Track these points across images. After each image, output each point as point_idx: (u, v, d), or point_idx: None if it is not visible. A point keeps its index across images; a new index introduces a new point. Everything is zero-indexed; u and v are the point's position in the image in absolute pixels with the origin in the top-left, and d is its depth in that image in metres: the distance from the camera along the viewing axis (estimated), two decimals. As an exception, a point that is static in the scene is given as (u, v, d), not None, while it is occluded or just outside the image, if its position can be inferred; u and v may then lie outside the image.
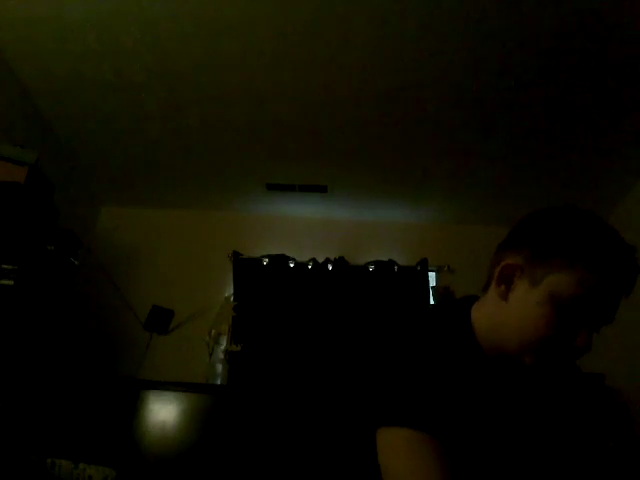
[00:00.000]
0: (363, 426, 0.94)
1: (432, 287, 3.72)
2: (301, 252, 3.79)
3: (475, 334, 1.01)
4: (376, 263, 3.74)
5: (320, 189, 3.64)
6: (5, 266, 2.22)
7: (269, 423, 2.82)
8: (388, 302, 3.61)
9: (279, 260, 3.75)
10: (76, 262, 2.87)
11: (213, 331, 3.52)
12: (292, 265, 3.76)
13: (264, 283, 3.71)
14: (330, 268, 3.73)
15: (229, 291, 3.71)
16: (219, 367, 3.53)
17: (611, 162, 3.16)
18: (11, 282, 2.22)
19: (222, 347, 3.55)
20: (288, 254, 3.77)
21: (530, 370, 0.96)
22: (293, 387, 3.23)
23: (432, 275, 3.80)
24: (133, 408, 2.88)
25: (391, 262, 3.73)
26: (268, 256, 3.76)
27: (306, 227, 3.96)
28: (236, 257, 3.76)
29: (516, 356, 0.96)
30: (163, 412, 2.91)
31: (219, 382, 3.50)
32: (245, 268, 3.74)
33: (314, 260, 3.75)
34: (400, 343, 0.99)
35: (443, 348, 0.97)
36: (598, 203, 3.46)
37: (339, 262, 3.74)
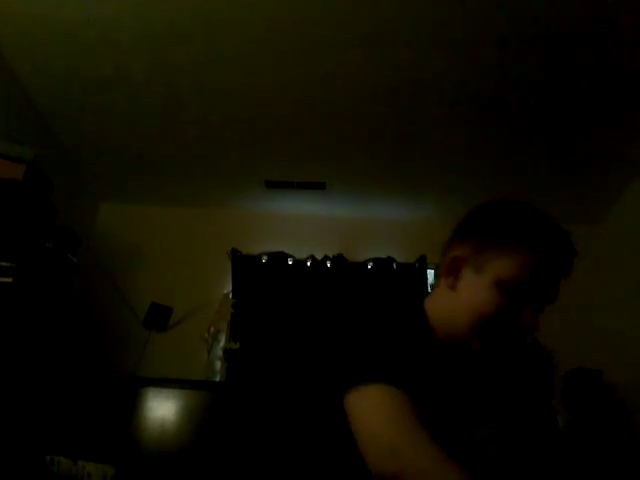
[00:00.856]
0: (332, 399, 0.95)
1: (431, 284, 3.72)
2: (300, 249, 3.78)
3: (428, 321, 1.06)
4: (375, 260, 3.73)
5: (319, 186, 3.64)
6: (3, 263, 2.22)
7: (267, 420, 2.82)
8: (387, 299, 3.61)
9: (278, 257, 3.75)
10: (75, 259, 2.87)
11: (212, 328, 3.52)
12: (291, 262, 3.76)
13: (263, 280, 3.70)
14: (329, 265, 3.73)
15: (228, 288, 3.71)
16: (218, 364, 3.53)
17: (608, 162, 3.16)
18: (9, 279, 2.21)
19: (221, 344, 3.55)
20: (287, 251, 3.77)
21: (481, 354, 1.01)
22: (290, 384, 3.23)
23: (431, 272, 3.80)
24: (132, 405, 2.87)
25: (390, 259, 3.73)
26: (267, 253, 3.76)
27: (305, 224, 3.95)
28: (235, 254, 3.76)
29: (466, 340, 1.01)
30: (162, 409, 2.90)
31: (218, 379, 3.50)
32: (244, 265, 3.74)
33: (313, 257, 3.75)
34: (360, 324, 1.03)
35: (397, 327, 1.02)
36: (598, 201, 3.48)
37: (338, 259, 3.74)
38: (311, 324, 3.49)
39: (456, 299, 1.03)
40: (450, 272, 1.05)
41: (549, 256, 0.96)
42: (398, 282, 3.68)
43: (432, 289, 1.14)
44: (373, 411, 0.88)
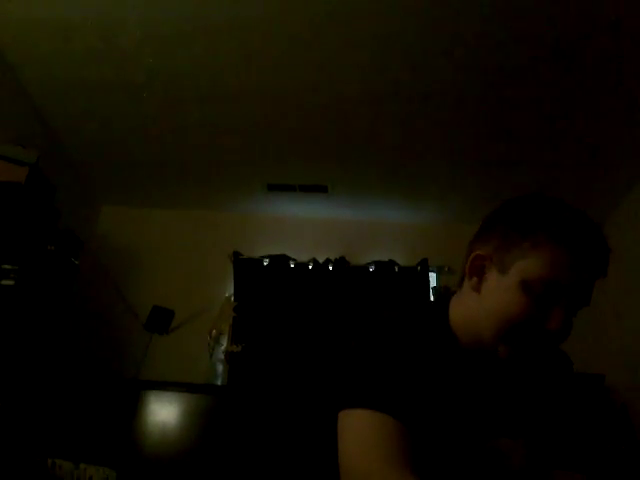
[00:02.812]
0: (329, 412, 0.94)
1: (433, 287, 3.71)
2: (301, 252, 3.78)
3: (451, 326, 1.00)
4: (376, 263, 3.73)
5: (321, 189, 3.64)
6: (5, 266, 2.22)
7: (269, 424, 2.82)
8: (388, 302, 3.61)
9: (279, 260, 3.75)
10: (76, 262, 2.87)
11: (214, 331, 3.52)
12: (292, 265, 3.76)
13: (264, 283, 3.70)
14: (331, 268, 3.73)
15: (229, 291, 3.71)
16: (219, 367, 3.53)
17: (611, 164, 3.15)
18: (11, 282, 2.21)
19: (223, 347, 3.55)
20: (288, 254, 3.77)
21: (507, 362, 0.95)
22: (291, 389, 3.23)
23: (432, 275, 3.80)
24: (133, 408, 2.88)
25: (391, 262, 3.73)
26: (268, 256, 3.76)
27: (306, 227, 3.95)
28: (236, 257, 3.76)
29: (492, 347, 0.94)
30: (163, 412, 2.91)
31: (219, 382, 3.49)
32: (245, 268, 3.74)
33: (314, 260, 3.74)
34: (370, 334, 0.98)
35: (414, 338, 0.96)
36: (600, 202, 3.47)
37: (340, 262, 3.74)
38: (318, 329, 3.48)
39: (480, 302, 0.96)
40: (473, 273, 0.98)
41: (579, 254, 0.88)
42: (400, 285, 3.68)
43: (456, 291, 1.07)
44: (357, 435, 0.87)
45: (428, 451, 0.89)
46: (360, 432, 0.87)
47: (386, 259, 3.74)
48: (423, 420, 0.89)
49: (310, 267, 3.74)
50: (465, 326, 0.99)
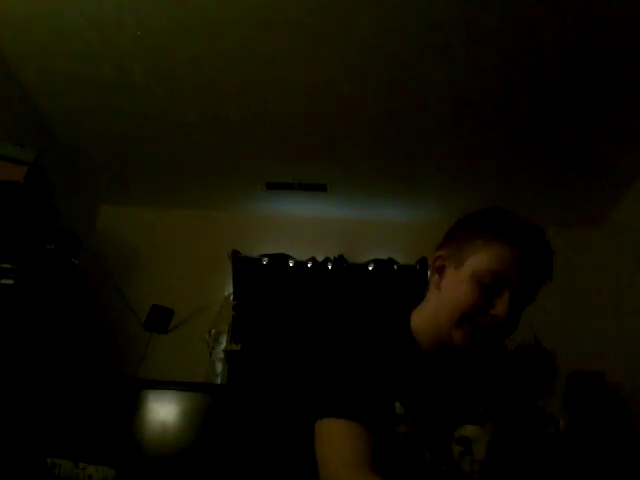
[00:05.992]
0: (306, 420, 1.04)
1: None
2: (301, 251, 3.78)
3: (412, 333, 1.11)
4: (376, 262, 3.73)
5: (320, 188, 3.64)
6: (5, 265, 2.22)
7: (267, 422, 2.82)
8: (387, 301, 3.61)
9: (279, 259, 3.75)
10: (76, 261, 2.87)
11: (213, 330, 3.52)
12: (292, 264, 3.75)
13: (264, 282, 3.70)
14: (330, 267, 3.73)
15: (229, 290, 3.71)
16: (219, 366, 3.53)
17: (609, 165, 3.16)
18: (11, 281, 2.21)
19: (222, 346, 3.55)
20: (288, 253, 3.77)
21: (463, 353, 1.06)
22: (280, 391, 3.23)
23: (432, 274, 3.79)
24: (133, 408, 2.87)
25: (391, 261, 3.73)
26: (268, 255, 3.76)
27: (306, 226, 3.95)
28: (235, 256, 3.75)
29: (448, 339, 1.04)
30: (163, 411, 2.90)
31: (219, 381, 3.49)
32: (245, 267, 3.74)
33: (314, 259, 3.74)
34: (340, 343, 1.09)
35: (379, 346, 1.07)
36: (599, 203, 3.48)
37: (339, 261, 3.73)
38: (305, 331, 3.48)
39: (440, 298, 1.09)
40: (435, 271, 1.12)
41: (523, 253, 1.01)
42: (399, 284, 3.68)
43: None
44: (329, 444, 0.97)
45: (394, 453, 0.99)
46: (331, 441, 0.97)
47: (385, 258, 3.74)
48: (386, 424, 0.99)
49: (309, 266, 3.74)
50: (425, 329, 1.11)
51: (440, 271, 1.11)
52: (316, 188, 3.65)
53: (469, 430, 1.06)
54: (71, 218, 3.03)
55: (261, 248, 3.79)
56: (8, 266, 2.22)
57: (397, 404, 1.02)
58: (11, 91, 2.81)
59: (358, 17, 2.31)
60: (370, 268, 3.73)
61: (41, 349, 2.55)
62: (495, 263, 1.01)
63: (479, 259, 1.03)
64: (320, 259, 3.75)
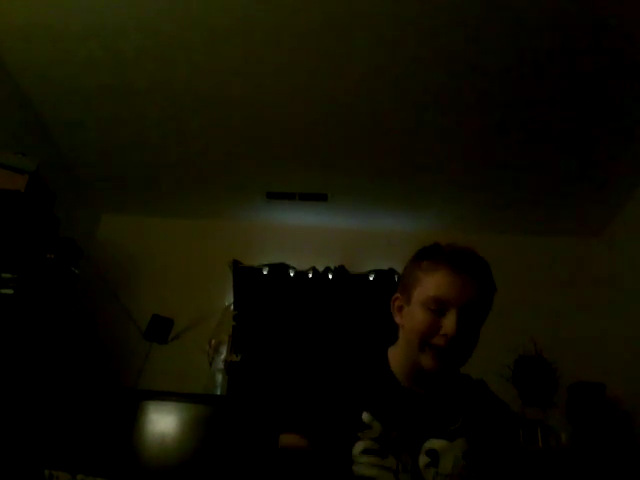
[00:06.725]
0: (273, 432, 1.18)
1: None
2: (301, 261, 3.77)
3: (390, 368, 1.22)
4: (376, 272, 3.72)
5: (320, 197, 3.64)
6: (5, 275, 2.21)
7: (265, 434, 2.79)
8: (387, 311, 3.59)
9: (279, 269, 3.74)
10: (76, 271, 2.86)
11: (213, 341, 3.50)
12: (292, 274, 3.74)
13: (264, 292, 3.69)
14: (330, 277, 3.72)
15: (229, 300, 3.70)
16: (219, 377, 3.51)
17: (609, 174, 3.16)
18: (11, 291, 2.20)
19: (222, 357, 3.53)
20: (288, 263, 3.76)
21: (433, 377, 1.16)
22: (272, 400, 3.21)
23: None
24: (132, 419, 2.85)
25: (391, 271, 3.71)
26: (268, 265, 3.75)
27: (306, 236, 3.94)
28: (236, 266, 3.75)
29: (420, 367, 1.14)
30: (163, 423, 2.88)
31: (219, 392, 3.46)
32: (245, 277, 3.73)
33: (314, 269, 3.73)
34: (318, 367, 1.24)
35: (351, 368, 1.22)
36: (598, 213, 3.47)
37: (339, 271, 3.73)
38: (318, 338, 3.47)
39: (404, 332, 1.21)
40: (395, 312, 1.24)
41: (453, 271, 1.13)
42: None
43: None
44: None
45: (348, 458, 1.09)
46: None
47: (386, 268, 3.73)
48: (347, 431, 1.11)
49: (310, 276, 3.73)
50: (400, 362, 1.21)
51: (400, 310, 1.23)
52: (317, 198, 3.65)
53: (438, 444, 1.12)
54: (72, 227, 3.03)
55: (262, 258, 3.79)
56: (8, 275, 2.21)
57: (365, 414, 1.12)
58: (13, 100, 2.82)
59: (360, 27, 2.33)
60: (371, 278, 3.72)
61: (40, 359, 2.54)
62: (434, 289, 1.13)
63: (422, 289, 1.16)
64: (321, 269, 3.74)
